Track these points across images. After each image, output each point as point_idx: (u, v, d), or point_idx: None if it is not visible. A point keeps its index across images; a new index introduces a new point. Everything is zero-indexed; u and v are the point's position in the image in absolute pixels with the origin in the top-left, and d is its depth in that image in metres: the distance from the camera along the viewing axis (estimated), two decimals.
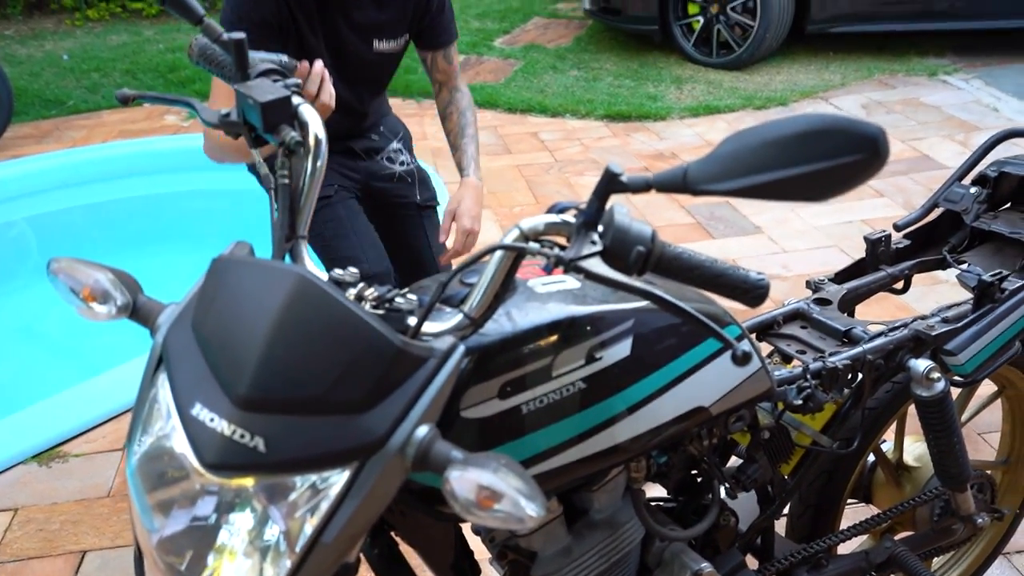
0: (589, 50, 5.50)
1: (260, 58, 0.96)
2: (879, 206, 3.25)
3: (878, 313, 2.23)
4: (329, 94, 1.25)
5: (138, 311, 0.82)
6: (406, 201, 1.86)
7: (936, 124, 3.95)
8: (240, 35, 0.91)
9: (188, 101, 0.97)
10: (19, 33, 5.95)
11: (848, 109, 4.25)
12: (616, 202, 0.90)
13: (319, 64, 1.24)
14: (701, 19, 4.95)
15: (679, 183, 0.79)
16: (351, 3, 1.57)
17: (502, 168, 3.86)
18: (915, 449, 1.41)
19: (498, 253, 0.79)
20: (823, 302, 1.27)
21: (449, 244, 1.75)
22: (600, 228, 0.86)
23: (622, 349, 0.88)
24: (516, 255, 0.80)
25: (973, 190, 1.41)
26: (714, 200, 3.42)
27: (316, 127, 0.94)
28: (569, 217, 0.94)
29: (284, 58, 0.97)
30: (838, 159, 0.72)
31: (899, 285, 1.41)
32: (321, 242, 1.67)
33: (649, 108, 4.45)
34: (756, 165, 0.72)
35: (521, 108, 4.58)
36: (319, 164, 0.94)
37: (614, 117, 4.42)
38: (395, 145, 1.89)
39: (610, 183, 0.84)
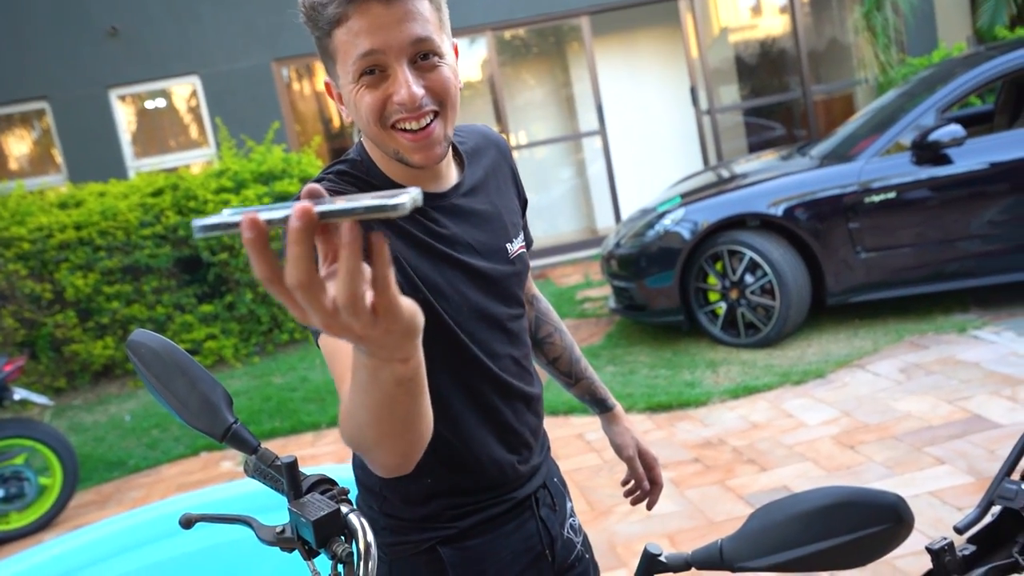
0: (621, 344, 5.69)
1: (311, 477, 1.03)
2: (942, 475, 3.16)
3: None
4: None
5: None
6: None
7: (979, 381, 3.94)
8: (292, 458, 0.99)
9: (247, 520, 1.03)
10: (86, 401, 6.35)
11: (886, 374, 4.27)
12: None
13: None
14: (723, 305, 5.17)
15: (716, 560, 0.81)
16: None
17: None
18: None
19: None
20: None
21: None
22: None
23: None
24: None
25: None
26: (771, 486, 3.35)
27: (365, 534, 0.98)
28: None
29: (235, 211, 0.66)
30: (864, 530, 0.74)
31: None
32: None
33: (688, 395, 4.51)
34: (786, 540, 0.75)
35: (563, 410, 4.67)
36: (371, 567, 0.97)
37: (655, 408, 4.48)
38: (569, 503, 1.40)
39: (651, 565, 0.86)
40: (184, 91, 8.76)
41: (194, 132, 8.92)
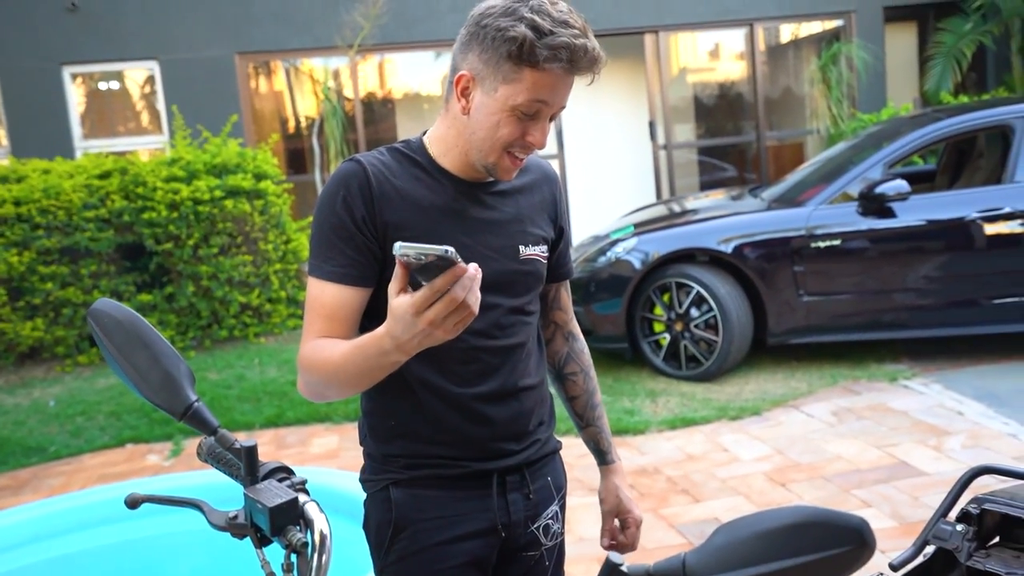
0: None
1: (269, 467, 1.01)
2: (868, 517, 3.19)
3: None
4: (476, 298, 1.10)
5: None
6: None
7: (906, 429, 4.06)
8: (252, 443, 0.98)
9: (197, 503, 1.01)
10: (8, 383, 6.11)
11: (819, 416, 4.38)
12: None
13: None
14: (667, 336, 5.24)
15: (678, 573, 0.82)
16: None
17: None
18: None
19: None
20: None
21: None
22: None
23: None
24: None
25: (960, 527, 1.43)
26: (703, 516, 3.40)
27: (321, 524, 0.97)
28: None
29: (450, 249, 1.01)
30: (827, 551, 0.76)
31: None
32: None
33: (627, 422, 4.55)
34: (750, 557, 0.76)
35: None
36: (324, 560, 0.96)
37: None
38: (554, 508, 1.52)
39: (612, 574, 0.86)
40: (140, 75, 8.57)
41: (147, 118, 8.74)
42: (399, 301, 1.07)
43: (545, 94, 1.26)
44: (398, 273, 1.06)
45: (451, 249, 1.01)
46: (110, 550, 3.91)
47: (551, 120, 1.32)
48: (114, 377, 6.15)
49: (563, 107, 1.31)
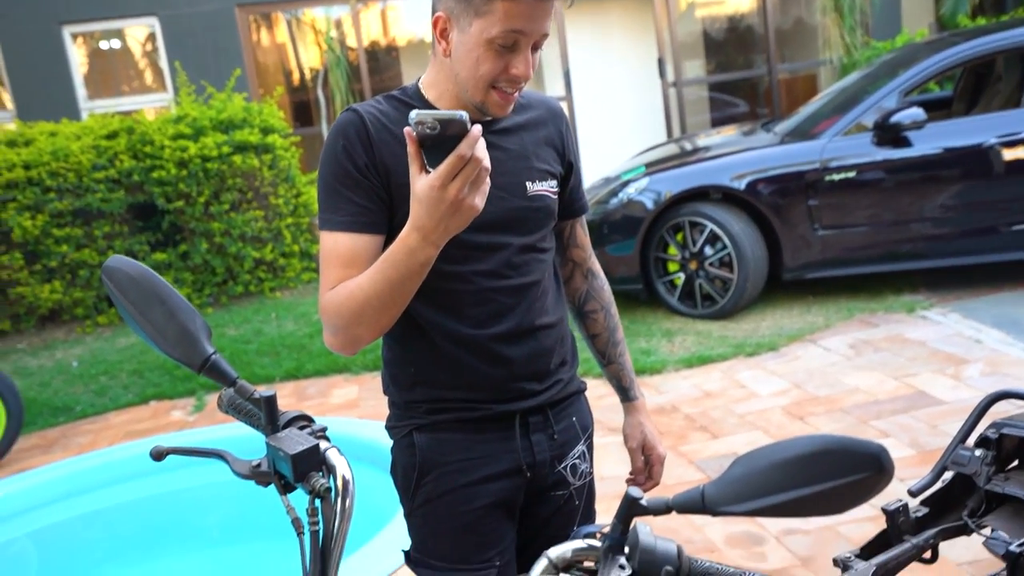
0: None
1: (288, 416, 1.02)
2: (887, 446, 3.24)
3: None
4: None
5: None
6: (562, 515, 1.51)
7: (924, 359, 4.06)
8: (271, 393, 0.98)
9: (221, 454, 1.02)
10: (31, 345, 6.20)
11: (836, 350, 4.37)
12: (638, 521, 0.92)
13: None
14: (682, 275, 5.22)
15: (698, 505, 0.82)
16: None
17: None
18: None
19: None
20: None
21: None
22: (626, 550, 0.87)
23: None
24: None
25: (978, 452, 1.44)
26: (722, 452, 3.43)
27: (343, 469, 0.98)
28: (595, 541, 0.96)
29: (464, 113, 1.03)
30: (845, 478, 0.76)
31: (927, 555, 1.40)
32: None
33: (644, 363, 4.56)
34: (768, 487, 0.76)
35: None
36: (348, 504, 0.97)
37: None
38: (581, 448, 1.52)
39: (631, 507, 0.87)
40: (141, 33, 8.49)
41: (150, 76, 8.67)
42: (422, 180, 1.08)
43: (519, 23, 1.22)
44: (412, 153, 1.07)
45: (465, 113, 1.03)
46: (140, 503, 4.01)
47: (535, 50, 1.29)
48: (134, 336, 6.22)
49: (545, 35, 1.27)
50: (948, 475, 1.47)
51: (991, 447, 1.44)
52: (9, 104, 8.10)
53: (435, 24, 1.30)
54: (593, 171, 8.67)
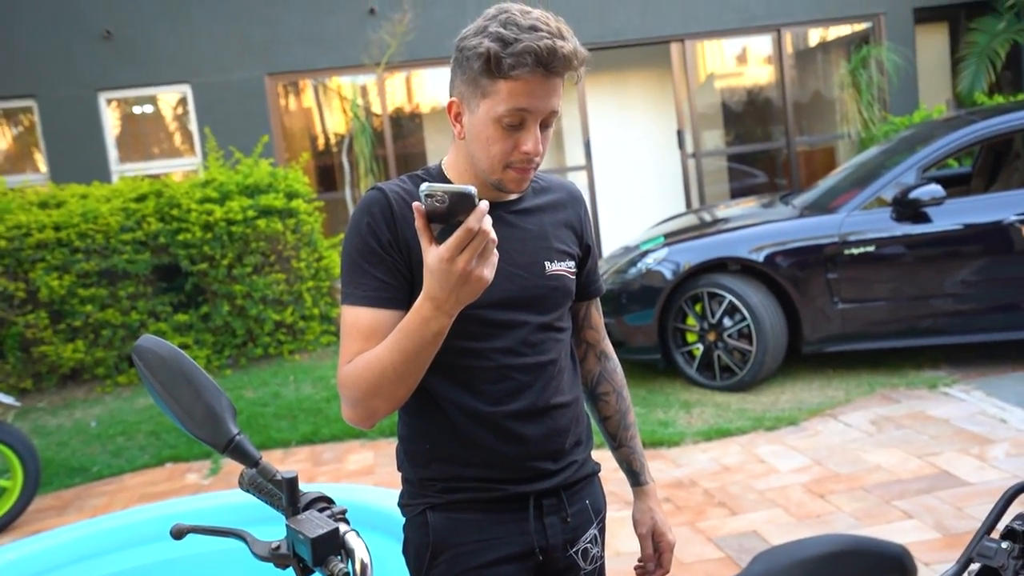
0: None
1: (309, 496, 1.03)
2: (910, 529, 3.19)
3: None
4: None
5: None
6: None
7: (948, 438, 4.00)
8: (293, 474, 0.99)
9: (241, 534, 1.02)
10: (51, 404, 6.24)
11: (857, 425, 4.32)
12: None
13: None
14: (700, 346, 5.21)
15: None
16: None
17: None
18: None
19: None
20: None
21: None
22: None
23: None
24: None
25: (1005, 544, 1.41)
26: (741, 529, 3.37)
27: (362, 553, 0.98)
28: None
29: (474, 188, 1.09)
30: None
31: None
32: None
33: (662, 435, 4.52)
34: None
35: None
36: None
37: None
38: (593, 531, 1.51)
39: None
40: (173, 99, 8.73)
41: (180, 140, 8.89)
42: (432, 252, 1.12)
43: (523, 101, 1.26)
44: (421, 227, 1.12)
45: (473, 188, 1.08)
46: (154, 568, 3.97)
47: (545, 128, 1.32)
48: None
49: (553, 112, 1.30)
50: (974, 567, 1.44)
51: (1018, 539, 1.42)
52: (43, 167, 8.32)
53: (449, 109, 1.36)
54: (612, 240, 8.74)
